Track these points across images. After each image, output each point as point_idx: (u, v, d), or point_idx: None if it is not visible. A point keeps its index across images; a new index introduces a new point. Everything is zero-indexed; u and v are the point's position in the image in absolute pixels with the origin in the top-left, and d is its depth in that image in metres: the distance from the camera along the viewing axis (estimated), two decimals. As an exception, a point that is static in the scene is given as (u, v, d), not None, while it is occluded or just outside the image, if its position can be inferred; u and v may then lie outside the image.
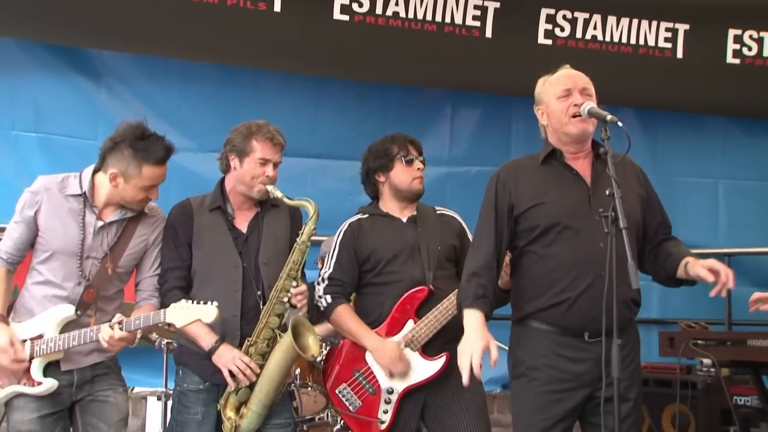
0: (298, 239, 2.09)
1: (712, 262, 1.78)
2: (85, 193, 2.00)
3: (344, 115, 3.66)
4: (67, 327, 1.95)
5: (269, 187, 2.12)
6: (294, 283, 2.06)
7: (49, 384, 1.94)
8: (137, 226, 2.05)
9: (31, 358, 1.93)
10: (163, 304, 2.10)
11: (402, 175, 2.30)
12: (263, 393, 2.03)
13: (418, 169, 2.30)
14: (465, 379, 1.77)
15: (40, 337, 1.94)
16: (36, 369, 1.94)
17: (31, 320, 1.97)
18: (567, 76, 1.89)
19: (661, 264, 1.90)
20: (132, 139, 1.97)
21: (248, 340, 2.06)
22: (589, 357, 1.80)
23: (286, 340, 2.01)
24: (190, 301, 1.93)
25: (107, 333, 1.91)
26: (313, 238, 2.32)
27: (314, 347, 2.05)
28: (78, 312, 1.95)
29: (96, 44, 3.24)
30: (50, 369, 1.96)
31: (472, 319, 1.81)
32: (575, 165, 1.87)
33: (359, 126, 3.65)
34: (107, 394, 1.99)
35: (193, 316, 1.93)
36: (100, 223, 1.99)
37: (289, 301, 2.07)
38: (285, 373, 2.05)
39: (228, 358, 2.02)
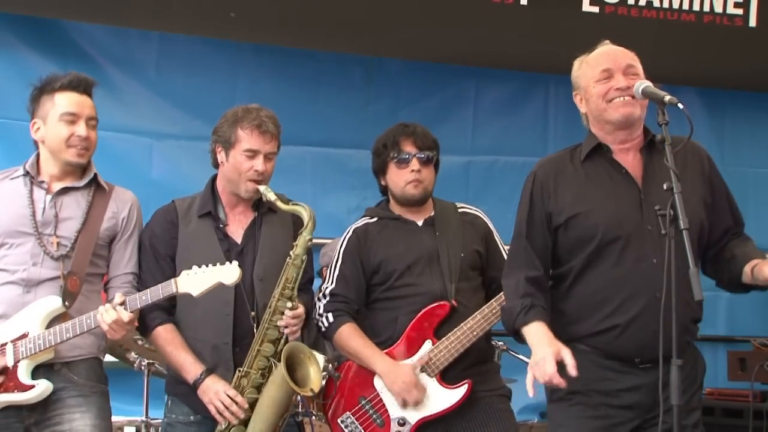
0: (291, 252, 2.06)
1: None
2: (28, 172, 2.07)
3: (349, 97, 3.68)
4: (53, 323, 1.98)
5: (261, 188, 2.10)
6: (289, 304, 2.05)
7: (43, 387, 1.97)
8: (107, 203, 2.08)
9: (17, 361, 1.97)
10: (145, 327, 2.13)
11: (394, 178, 2.28)
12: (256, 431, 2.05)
13: (413, 171, 2.25)
14: (529, 390, 1.77)
15: (25, 336, 1.99)
16: (24, 372, 1.96)
17: (10, 320, 2.00)
18: (606, 55, 1.87)
19: (724, 266, 1.87)
20: (47, 79, 2.07)
21: (239, 371, 2.06)
22: (641, 383, 1.82)
23: (279, 372, 2.01)
24: (205, 265, 1.94)
25: (111, 315, 1.92)
26: (314, 240, 2.34)
27: (315, 379, 2.04)
28: (66, 303, 1.98)
29: (62, 14, 3.28)
30: (41, 372, 1.98)
31: (535, 331, 1.81)
32: (624, 161, 1.86)
33: (367, 109, 3.69)
34: (66, 428, 1.96)
35: (212, 280, 1.92)
36: (50, 197, 2.04)
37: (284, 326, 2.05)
38: (281, 410, 2.06)
39: (211, 394, 2.04)
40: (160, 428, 2.27)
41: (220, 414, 2.04)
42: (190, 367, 2.06)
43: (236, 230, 2.17)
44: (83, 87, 2.05)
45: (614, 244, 1.80)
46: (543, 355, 1.77)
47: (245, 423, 2.06)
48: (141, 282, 2.11)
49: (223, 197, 2.19)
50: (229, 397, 2.03)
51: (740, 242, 1.91)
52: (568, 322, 1.86)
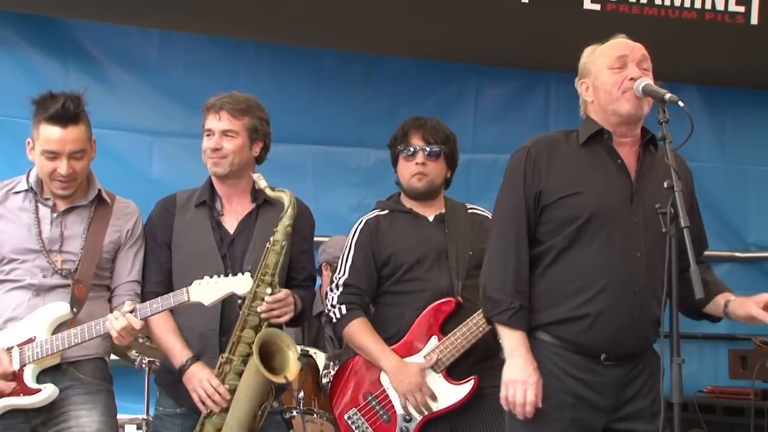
0: (271, 238, 2.08)
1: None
2: (32, 187, 2.08)
3: (350, 95, 3.67)
4: (59, 329, 2.00)
5: (255, 175, 2.13)
6: (268, 290, 2.05)
7: (50, 391, 1.98)
8: (110, 217, 2.11)
9: (23, 365, 1.98)
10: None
11: (401, 170, 2.32)
12: (234, 419, 2.06)
13: (417, 163, 2.28)
14: (521, 414, 1.78)
15: (31, 341, 2.00)
16: (29, 376, 1.98)
17: (18, 324, 2.02)
18: (623, 44, 1.87)
19: (690, 290, 1.74)
20: (41, 98, 2.03)
21: (222, 357, 2.07)
22: (606, 382, 1.80)
23: (253, 360, 2.02)
24: (217, 276, 1.98)
25: (120, 323, 1.94)
26: (315, 238, 2.35)
27: (293, 367, 2.04)
28: (74, 310, 2.01)
29: (63, 12, 3.28)
30: (46, 376, 2.00)
31: (517, 342, 1.81)
32: (620, 152, 1.85)
33: (367, 107, 3.68)
34: (72, 424, 1.98)
35: (224, 290, 1.96)
36: (55, 214, 2.07)
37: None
38: (257, 397, 2.07)
39: (195, 382, 2.06)
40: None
41: (203, 402, 2.05)
42: (177, 352, 2.08)
43: (231, 220, 2.20)
44: (68, 118, 1.99)
45: (601, 232, 1.79)
46: (527, 380, 1.76)
47: (227, 410, 2.07)
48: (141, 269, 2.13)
49: (219, 188, 2.22)
50: (211, 386, 2.04)
51: (707, 270, 1.90)
52: (538, 307, 1.83)
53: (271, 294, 2.05)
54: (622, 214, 1.80)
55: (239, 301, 2.09)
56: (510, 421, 1.85)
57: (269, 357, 2.04)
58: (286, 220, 2.09)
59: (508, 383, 1.80)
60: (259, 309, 2.05)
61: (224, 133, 2.15)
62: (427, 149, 2.28)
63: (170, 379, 2.12)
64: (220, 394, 2.04)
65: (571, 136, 1.90)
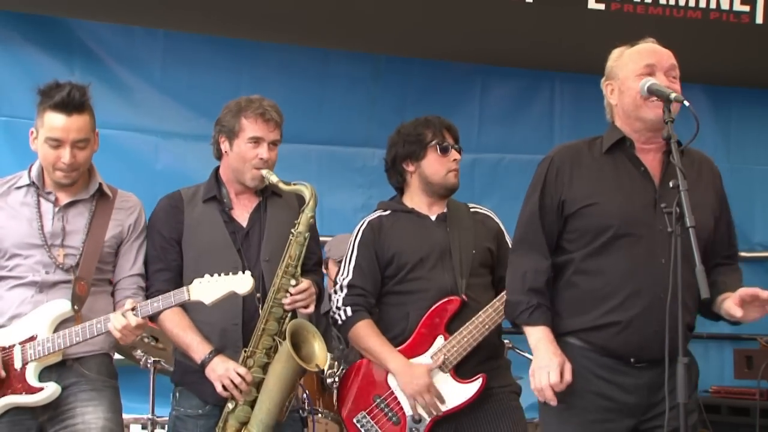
0: (293, 230, 2.09)
1: (746, 291, 1.71)
2: (33, 182, 2.08)
3: (355, 95, 3.68)
4: (61, 326, 2.00)
5: (264, 172, 2.13)
6: (293, 282, 2.06)
7: (52, 389, 1.98)
8: (111, 211, 2.10)
9: (25, 363, 1.99)
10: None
11: (435, 165, 2.30)
12: (263, 411, 2.05)
13: (454, 160, 2.30)
14: (550, 399, 1.79)
15: (33, 339, 2.00)
16: (31, 374, 1.98)
17: (19, 321, 2.02)
18: (652, 51, 1.86)
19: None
20: (46, 87, 2.02)
21: (245, 351, 2.06)
22: (638, 383, 1.80)
23: (284, 349, 2.02)
24: (217, 274, 1.96)
25: (120, 321, 1.94)
26: (320, 238, 2.35)
27: (321, 356, 2.05)
28: (75, 307, 2.01)
29: (68, 12, 3.30)
30: (52, 373, 2.00)
31: (539, 335, 1.83)
32: (644, 159, 1.84)
33: (373, 107, 3.68)
34: (78, 421, 1.98)
35: (224, 289, 1.94)
36: (57, 209, 2.06)
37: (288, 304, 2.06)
38: (288, 387, 2.07)
39: (221, 371, 2.04)
40: (167, 422, 2.26)
41: (228, 391, 2.04)
42: (198, 346, 2.07)
43: (241, 214, 2.19)
44: (73, 106, 1.99)
45: (625, 239, 1.79)
46: (548, 364, 1.78)
47: (252, 404, 2.06)
48: (146, 267, 2.13)
49: (227, 186, 2.21)
50: (238, 374, 2.03)
51: (728, 270, 1.89)
52: (566, 314, 1.84)
53: (294, 285, 2.05)
54: (646, 222, 1.79)
55: (258, 294, 2.08)
56: (542, 416, 1.86)
57: (296, 347, 2.04)
58: (308, 212, 2.10)
59: (534, 371, 1.82)
60: (283, 300, 2.05)
61: (272, 143, 2.15)
62: (457, 147, 2.32)
63: (193, 377, 2.09)
64: (246, 382, 2.03)
65: (594, 144, 1.90)
